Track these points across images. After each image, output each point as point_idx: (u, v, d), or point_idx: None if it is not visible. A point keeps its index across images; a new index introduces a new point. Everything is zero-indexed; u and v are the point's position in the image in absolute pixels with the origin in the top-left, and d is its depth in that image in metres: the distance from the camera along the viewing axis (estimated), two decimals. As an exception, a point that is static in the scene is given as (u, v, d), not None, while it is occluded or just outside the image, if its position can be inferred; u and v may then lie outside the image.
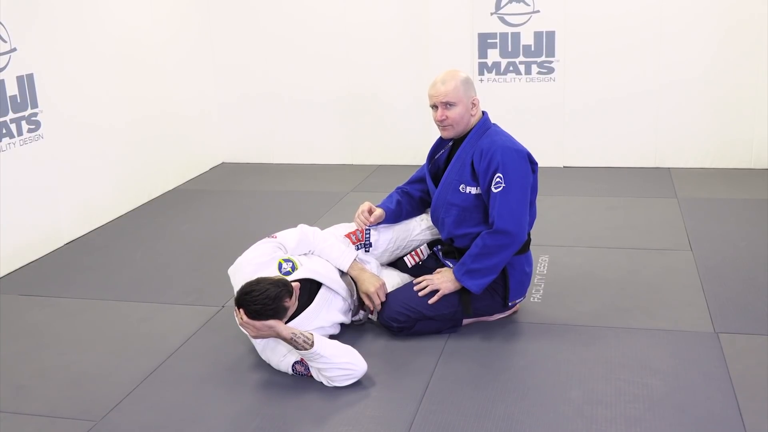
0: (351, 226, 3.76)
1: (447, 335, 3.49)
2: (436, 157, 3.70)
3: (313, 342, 3.01)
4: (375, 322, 3.60)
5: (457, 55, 6.26)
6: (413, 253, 3.78)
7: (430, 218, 3.75)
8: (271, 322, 3.01)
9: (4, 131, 4.57)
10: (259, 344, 3.24)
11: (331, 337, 3.32)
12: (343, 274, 3.52)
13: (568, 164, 6.43)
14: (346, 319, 3.49)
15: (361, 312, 3.58)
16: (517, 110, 6.27)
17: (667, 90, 6.12)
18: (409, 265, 3.77)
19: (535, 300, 3.84)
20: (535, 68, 6.27)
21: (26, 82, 4.72)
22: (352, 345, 3.19)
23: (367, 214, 3.67)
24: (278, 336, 3.04)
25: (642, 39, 6.06)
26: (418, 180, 3.81)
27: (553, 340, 3.42)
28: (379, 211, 3.68)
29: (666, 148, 6.24)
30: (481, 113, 3.53)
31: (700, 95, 6.08)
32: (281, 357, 3.17)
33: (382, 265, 3.80)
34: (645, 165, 6.30)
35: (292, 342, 3.02)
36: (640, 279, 4.06)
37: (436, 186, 3.60)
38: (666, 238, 4.65)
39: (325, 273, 3.41)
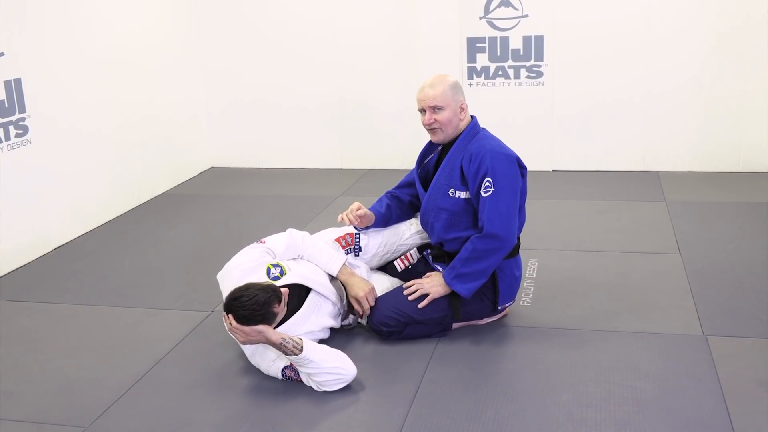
0: (340, 231, 3.75)
1: (437, 339, 3.49)
2: (425, 161, 3.70)
3: (302, 347, 3.01)
4: (365, 326, 3.60)
5: (446, 59, 6.27)
6: (403, 257, 3.78)
7: (419, 222, 3.75)
8: (260, 328, 3.01)
9: (-9, 136, 4.57)
10: (248, 349, 3.24)
11: (321, 341, 3.32)
12: (332, 278, 3.52)
13: (557, 168, 6.45)
14: (336, 324, 3.49)
15: (351, 316, 3.57)
16: (506, 114, 6.29)
17: (655, 94, 6.14)
18: (399, 270, 3.76)
19: (525, 304, 3.84)
20: (523, 72, 6.29)
21: (14, 87, 4.70)
22: (342, 349, 3.19)
23: (356, 212, 3.64)
24: (267, 341, 3.03)
25: (631, 44, 6.09)
26: (407, 184, 3.81)
27: (542, 343, 3.43)
28: (369, 213, 3.67)
29: (654, 151, 6.26)
30: (470, 118, 3.53)
31: (689, 100, 6.11)
32: (270, 362, 3.17)
33: (372, 269, 3.79)
34: (634, 168, 6.32)
35: (282, 347, 3.01)
36: (629, 282, 4.07)
37: (426, 190, 3.60)
38: (655, 241, 4.67)
39: (314, 278, 3.41)
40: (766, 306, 3.69)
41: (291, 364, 3.10)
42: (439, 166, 3.54)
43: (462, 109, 3.46)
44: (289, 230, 3.62)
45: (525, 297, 3.91)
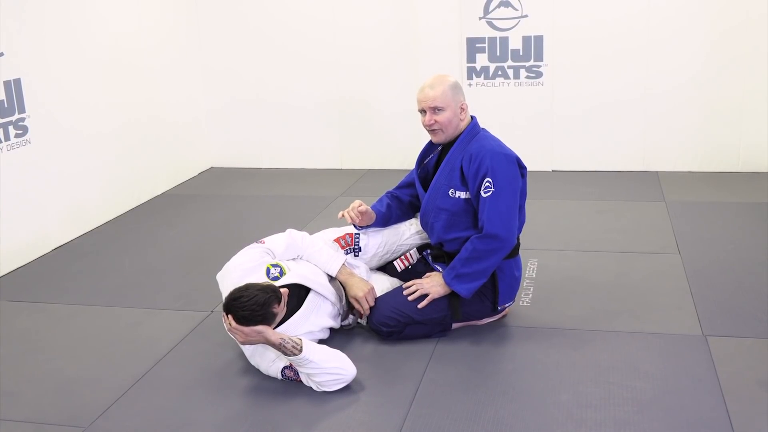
0: (340, 231, 3.75)
1: (436, 339, 3.49)
2: (425, 162, 3.70)
3: (301, 347, 3.01)
4: (364, 326, 3.60)
5: (446, 59, 6.27)
6: (403, 257, 3.78)
7: (419, 222, 3.75)
8: (260, 328, 3.01)
9: (-9, 136, 4.57)
10: (248, 350, 3.24)
11: (320, 341, 3.32)
12: (331, 278, 3.52)
13: (556, 168, 6.45)
14: (335, 324, 3.49)
15: (351, 316, 3.57)
16: (506, 114, 6.28)
17: (655, 94, 6.14)
18: (399, 270, 3.76)
19: (525, 304, 3.84)
20: (523, 72, 6.29)
21: (14, 87, 4.70)
22: (342, 350, 3.19)
23: (357, 208, 3.62)
24: (267, 342, 3.03)
25: (631, 44, 6.09)
26: (407, 185, 3.81)
27: (542, 343, 3.43)
28: (369, 210, 3.66)
29: (654, 151, 6.26)
30: (469, 118, 3.53)
31: (688, 100, 6.11)
32: (270, 362, 3.17)
33: (372, 269, 3.79)
34: (633, 169, 6.32)
35: (281, 348, 3.01)
36: (628, 282, 4.07)
37: (426, 191, 3.60)
38: (654, 241, 4.67)
39: (314, 278, 3.41)
40: (766, 306, 3.69)
41: (290, 365, 3.10)
42: (439, 167, 3.54)
43: (462, 109, 3.46)
44: (288, 230, 3.62)
45: (525, 297, 3.91)
